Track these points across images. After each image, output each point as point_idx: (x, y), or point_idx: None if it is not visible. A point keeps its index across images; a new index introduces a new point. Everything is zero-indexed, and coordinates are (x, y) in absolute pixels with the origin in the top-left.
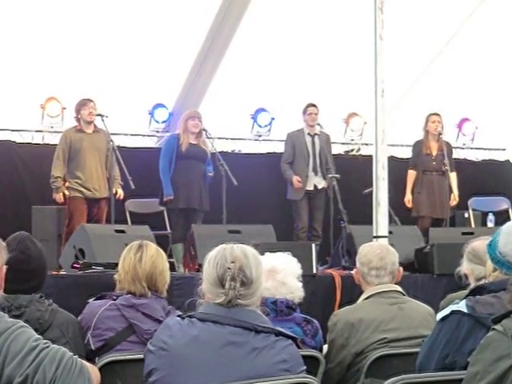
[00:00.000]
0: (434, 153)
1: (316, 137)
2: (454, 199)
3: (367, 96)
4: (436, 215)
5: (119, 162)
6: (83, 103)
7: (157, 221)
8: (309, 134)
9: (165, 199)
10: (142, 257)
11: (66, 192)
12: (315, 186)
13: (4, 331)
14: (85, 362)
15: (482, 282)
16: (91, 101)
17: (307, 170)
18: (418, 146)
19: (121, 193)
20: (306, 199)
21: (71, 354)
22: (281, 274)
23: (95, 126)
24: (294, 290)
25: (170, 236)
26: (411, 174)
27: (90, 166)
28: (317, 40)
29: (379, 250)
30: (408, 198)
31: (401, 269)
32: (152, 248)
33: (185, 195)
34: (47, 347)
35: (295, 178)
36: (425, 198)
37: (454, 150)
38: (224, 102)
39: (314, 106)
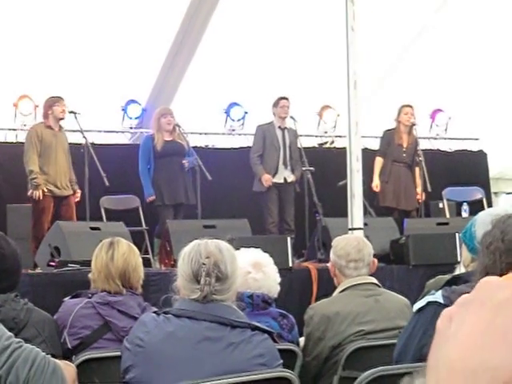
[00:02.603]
0: (405, 145)
1: (286, 130)
2: (420, 194)
3: (340, 88)
4: (402, 206)
5: (93, 158)
6: (56, 100)
7: (132, 217)
8: (279, 127)
9: (147, 200)
10: (113, 254)
11: (45, 189)
12: (285, 179)
13: None
14: (58, 362)
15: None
16: (62, 98)
17: (277, 163)
18: (389, 135)
19: (78, 194)
20: (276, 192)
21: (44, 354)
22: (267, 267)
23: (60, 125)
24: (276, 284)
25: (145, 232)
26: (379, 161)
27: (60, 163)
28: (288, 33)
29: (356, 242)
30: (376, 183)
31: (375, 260)
32: (123, 245)
33: (169, 192)
34: (20, 347)
35: (266, 177)
36: (391, 189)
37: (427, 140)
38: (197, 96)
39: (285, 98)
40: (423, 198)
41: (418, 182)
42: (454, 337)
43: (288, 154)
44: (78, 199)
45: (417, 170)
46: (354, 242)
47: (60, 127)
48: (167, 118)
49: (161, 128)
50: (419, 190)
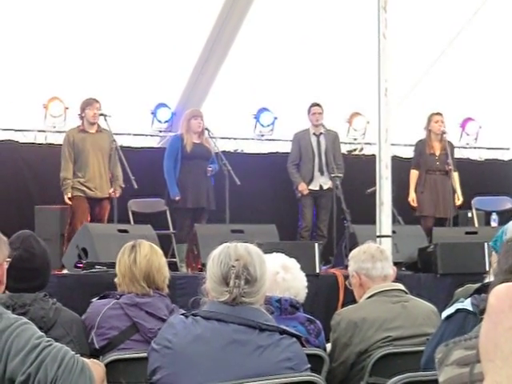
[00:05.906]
0: (438, 153)
1: (321, 136)
2: (458, 199)
3: (370, 95)
4: (439, 215)
5: (122, 161)
6: (89, 103)
7: (159, 220)
8: (314, 133)
9: (174, 198)
10: (136, 257)
11: (69, 194)
12: (321, 186)
13: (7, 328)
14: (87, 360)
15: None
16: (97, 101)
17: (313, 171)
18: (420, 146)
19: (118, 191)
20: (311, 199)
21: (73, 353)
22: (295, 269)
23: (98, 125)
24: (304, 287)
25: (172, 235)
26: (414, 174)
27: (93, 165)
28: (320, 39)
29: (374, 246)
30: (412, 197)
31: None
32: (145, 247)
33: (193, 195)
34: (49, 345)
35: (302, 186)
36: (428, 198)
37: (457, 149)
38: (226, 101)
39: (317, 105)
40: (458, 203)
41: (456, 187)
42: None
43: (324, 160)
44: (116, 195)
45: (455, 175)
46: (373, 246)
47: (98, 128)
48: (197, 120)
49: (190, 129)
50: (458, 194)
